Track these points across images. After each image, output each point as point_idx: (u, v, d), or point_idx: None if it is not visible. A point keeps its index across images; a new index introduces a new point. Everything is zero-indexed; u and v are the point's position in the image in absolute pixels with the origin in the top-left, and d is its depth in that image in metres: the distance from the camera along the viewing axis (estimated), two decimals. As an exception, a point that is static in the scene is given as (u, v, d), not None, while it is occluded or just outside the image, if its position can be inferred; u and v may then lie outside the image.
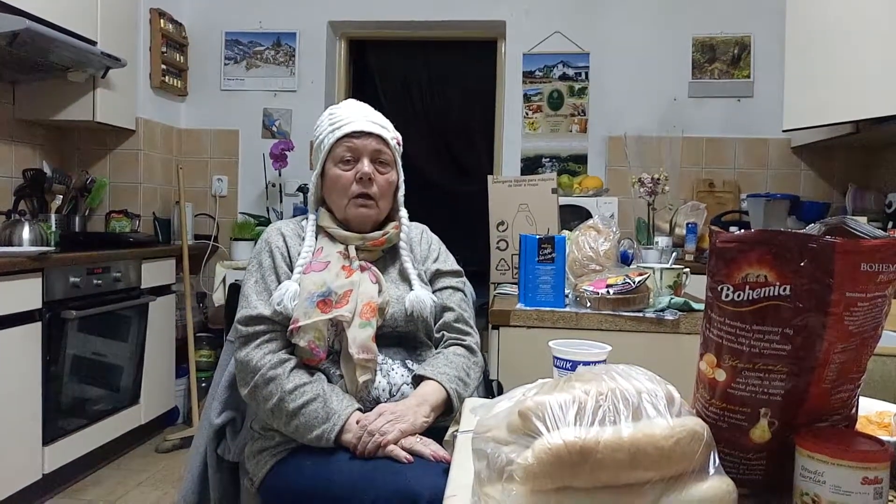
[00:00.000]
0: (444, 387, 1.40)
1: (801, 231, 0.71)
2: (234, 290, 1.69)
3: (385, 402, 1.40)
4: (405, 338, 1.50)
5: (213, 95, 4.13)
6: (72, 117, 3.34)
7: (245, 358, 1.41)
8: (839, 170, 3.77)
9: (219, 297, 3.65)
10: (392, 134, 1.56)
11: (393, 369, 1.44)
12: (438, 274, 1.60)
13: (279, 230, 1.56)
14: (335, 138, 1.49)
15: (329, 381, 1.41)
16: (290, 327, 1.38)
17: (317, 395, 1.35)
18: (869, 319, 0.70)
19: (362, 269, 1.47)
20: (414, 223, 1.66)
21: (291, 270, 1.48)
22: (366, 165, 1.49)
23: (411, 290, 1.50)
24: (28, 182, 3.27)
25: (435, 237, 1.69)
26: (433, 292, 1.56)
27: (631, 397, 0.69)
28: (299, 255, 1.50)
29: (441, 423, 1.40)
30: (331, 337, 1.42)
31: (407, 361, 1.47)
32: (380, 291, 1.45)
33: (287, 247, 1.52)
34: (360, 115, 1.52)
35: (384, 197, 1.52)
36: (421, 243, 1.64)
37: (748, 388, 0.72)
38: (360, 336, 1.38)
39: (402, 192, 1.59)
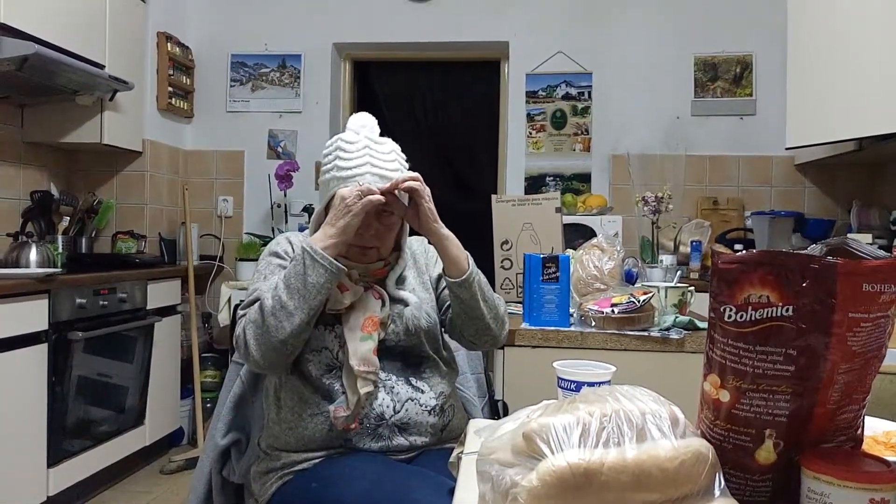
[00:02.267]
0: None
1: (803, 252, 0.71)
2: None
3: (389, 419, 1.40)
4: (409, 353, 1.50)
5: (218, 117, 4.17)
6: (79, 140, 3.37)
7: (237, 333, 1.40)
8: (843, 187, 3.77)
9: (224, 318, 3.66)
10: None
11: (397, 385, 1.44)
12: (441, 276, 1.60)
13: (287, 238, 1.57)
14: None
15: (332, 396, 1.41)
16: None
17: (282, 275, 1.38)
18: (872, 339, 0.70)
19: (366, 288, 1.47)
20: (414, 237, 1.66)
21: None
22: (369, 225, 1.43)
23: (407, 306, 1.50)
24: (35, 204, 3.30)
25: (433, 247, 1.67)
26: (442, 290, 1.56)
27: (635, 419, 0.69)
28: None
29: (446, 445, 1.40)
30: (328, 357, 1.43)
31: (411, 379, 1.47)
32: (382, 306, 1.46)
33: (294, 251, 1.52)
34: (367, 167, 1.42)
35: (385, 243, 1.49)
36: (426, 254, 1.64)
37: (752, 409, 0.72)
38: (361, 349, 1.38)
39: (406, 227, 1.55)
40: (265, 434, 1.49)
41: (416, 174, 1.43)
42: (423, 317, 1.49)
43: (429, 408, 1.44)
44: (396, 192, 1.40)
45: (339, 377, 1.42)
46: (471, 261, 1.48)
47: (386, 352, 1.45)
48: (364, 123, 1.49)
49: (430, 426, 1.44)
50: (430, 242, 1.49)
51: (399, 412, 1.41)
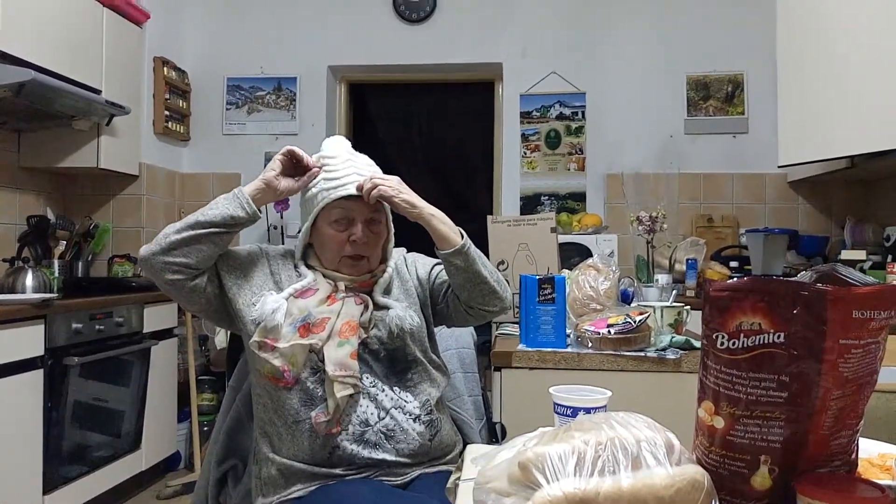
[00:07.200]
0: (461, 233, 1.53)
1: (794, 279, 0.72)
2: (236, 335, 1.70)
3: (374, 424, 1.41)
4: (395, 358, 1.50)
5: (215, 140, 4.19)
6: (76, 164, 3.38)
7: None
8: (837, 203, 3.80)
9: (221, 341, 3.65)
10: None
11: (382, 391, 1.44)
12: (431, 268, 1.65)
13: (260, 245, 1.63)
14: (330, 199, 1.48)
15: (313, 401, 1.41)
16: (266, 341, 1.40)
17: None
18: (864, 365, 0.71)
19: (348, 297, 1.49)
20: (393, 249, 1.68)
21: (273, 284, 1.52)
22: (359, 230, 1.49)
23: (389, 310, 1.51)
24: (32, 229, 3.30)
25: (410, 255, 1.71)
26: (436, 278, 1.62)
27: (630, 447, 0.69)
28: (290, 277, 1.53)
29: (441, 469, 1.40)
30: (313, 359, 1.43)
31: (395, 388, 1.47)
32: (364, 311, 1.48)
33: (260, 251, 1.59)
34: (353, 176, 1.50)
35: (374, 252, 1.55)
36: (405, 262, 1.66)
37: (747, 436, 0.72)
38: (336, 354, 1.40)
39: (391, 238, 1.61)
40: (260, 438, 1.49)
41: (372, 180, 1.48)
42: (408, 318, 1.50)
43: (413, 416, 1.45)
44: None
45: (321, 381, 1.42)
46: (462, 231, 1.54)
47: (371, 357, 1.47)
48: (339, 142, 1.60)
49: (417, 434, 1.44)
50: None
51: (384, 418, 1.42)
